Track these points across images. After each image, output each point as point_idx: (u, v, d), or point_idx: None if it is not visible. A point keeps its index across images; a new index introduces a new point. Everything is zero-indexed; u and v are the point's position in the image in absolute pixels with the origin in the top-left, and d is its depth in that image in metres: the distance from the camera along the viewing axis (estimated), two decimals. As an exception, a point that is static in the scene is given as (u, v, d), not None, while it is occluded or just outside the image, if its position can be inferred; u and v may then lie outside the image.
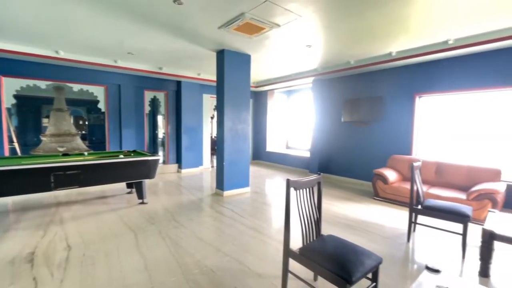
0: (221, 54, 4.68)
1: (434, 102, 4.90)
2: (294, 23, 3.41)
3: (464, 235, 2.60)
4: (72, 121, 8.49)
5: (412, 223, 3.01)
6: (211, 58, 5.03)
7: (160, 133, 7.84)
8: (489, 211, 2.72)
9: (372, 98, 5.55)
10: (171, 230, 3.23)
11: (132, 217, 3.65)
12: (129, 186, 4.92)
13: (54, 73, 5.29)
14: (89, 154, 4.58)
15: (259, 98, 8.96)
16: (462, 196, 3.72)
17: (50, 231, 3.16)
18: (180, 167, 7.16)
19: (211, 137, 8.29)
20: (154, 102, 7.17)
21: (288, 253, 1.88)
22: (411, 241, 2.98)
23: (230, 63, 4.68)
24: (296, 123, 8.63)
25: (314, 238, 1.97)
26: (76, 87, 5.75)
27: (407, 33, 3.69)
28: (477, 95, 4.35)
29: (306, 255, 1.75)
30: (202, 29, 3.68)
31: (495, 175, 3.81)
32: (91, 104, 10.33)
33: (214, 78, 6.62)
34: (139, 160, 4.05)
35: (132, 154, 4.59)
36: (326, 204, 4.37)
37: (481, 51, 4.06)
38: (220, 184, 4.88)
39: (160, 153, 7.59)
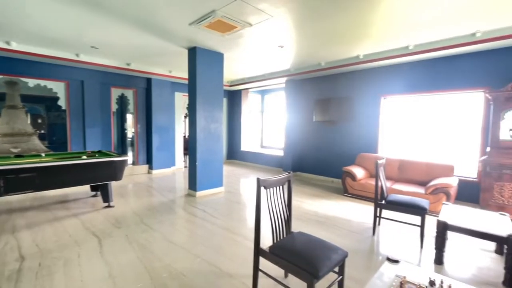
0: (193, 52, 4.57)
1: (397, 103, 5.23)
2: (266, 23, 3.43)
3: (422, 226, 2.81)
4: (29, 119, 7.76)
5: (377, 217, 3.18)
6: (182, 55, 4.88)
7: (130, 132, 7.47)
8: (443, 203, 2.96)
9: (341, 98, 5.78)
10: (139, 234, 3.09)
11: (96, 222, 3.42)
12: (93, 189, 4.61)
13: (5, 66, 4.80)
14: (46, 155, 4.21)
15: (233, 98, 8.90)
16: (421, 190, 4.01)
17: (-1, 241, 2.86)
18: (150, 168, 6.88)
19: (184, 136, 8.08)
20: (122, 100, 6.80)
21: (258, 251, 1.88)
22: (376, 234, 3.15)
23: (203, 61, 4.58)
24: (270, 122, 8.72)
25: (284, 235, 1.99)
26: (32, 82, 5.26)
27: (372, 37, 3.89)
28: (435, 96, 4.72)
29: (275, 253, 1.77)
30: (172, 25, 3.56)
31: (449, 171, 4.16)
32: (50, 101, 9.52)
33: (186, 76, 6.46)
34: (103, 161, 3.81)
35: (96, 155, 4.31)
36: (298, 201, 4.47)
37: (438, 56, 4.40)
38: (193, 184, 4.76)
39: (129, 153, 7.22)
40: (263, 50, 4.64)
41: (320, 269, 1.53)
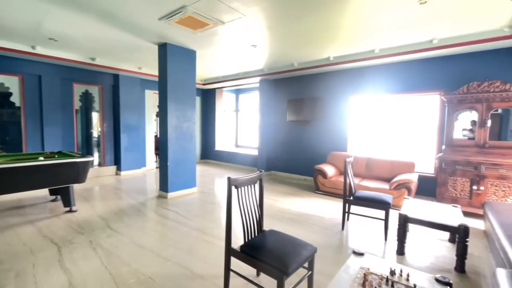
0: (163, 48, 4.40)
1: (365, 104, 5.50)
2: (238, 22, 3.41)
3: (386, 220, 2.98)
4: (-25, 117, 6.94)
5: (346, 213, 3.32)
6: (153, 51, 4.69)
7: (96, 132, 7.01)
8: (405, 198, 3.17)
9: (313, 99, 5.95)
10: (105, 239, 2.91)
11: (55, 229, 3.17)
12: (53, 193, 4.26)
13: None
14: (-3, 156, 3.81)
15: (207, 96, 8.76)
16: (386, 186, 4.26)
17: None
18: (119, 169, 6.52)
19: (156, 136, 7.78)
20: (86, 97, 6.36)
21: (229, 251, 1.87)
22: (345, 229, 3.28)
23: (174, 58, 4.44)
24: (245, 122, 8.71)
25: (256, 234, 2.00)
26: (-22, 75, 4.73)
27: (341, 40, 4.04)
28: (398, 98, 5.04)
29: (246, 252, 1.76)
30: (140, 19, 3.40)
31: (410, 167, 4.47)
32: (1, 97, 8.64)
33: (157, 72, 6.22)
34: (64, 162, 3.53)
35: (56, 156, 3.99)
36: (272, 200, 4.52)
37: (401, 60, 4.70)
38: (164, 185, 4.60)
39: (96, 154, 6.78)
40: (236, 49, 4.61)
41: (289, 266, 1.56)
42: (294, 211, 3.96)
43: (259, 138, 6.94)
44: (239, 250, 1.81)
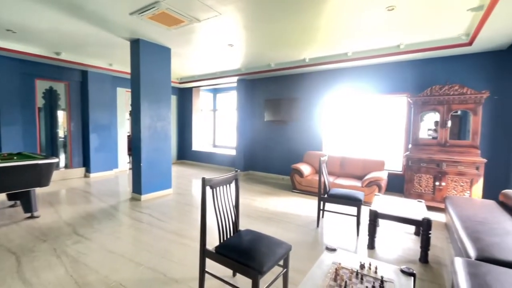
0: (136, 44, 4.23)
1: (339, 105, 5.70)
2: (214, 20, 3.36)
3: (358, 216, 3.11)
4: None
5: (320, 210, 3.41)
6: (125, 47, 4.49)
7: (62, 131, 6.56)
8: (375, 195, 3.33)
9: (290, 99, 6.05)
10: (71, 246, 2.73)
11: (14, 236, 2.91)
12: (11, 197, 3.91)
13: None
14: None
15: (184, 95, 8.56)
16: (359, 184, 4.45)
17: None
18: (88, 171, 6.16)
19: (129, 136, 7.45)
20: (51, 94, 5.94)
21: (204, 253, 1.84)
22: (319, 226, 3.37)
23: (147, 55, 4.28)
24: (223, 121, 8.63)
25: (232, 234, 1.99)
26: None
27: (317, 42, 4.15)
28: (370, 99, 5.28)
29: (221, 253, 1.74)
30: (110, 13, 3.23)
31: (380, 165, 4.70)
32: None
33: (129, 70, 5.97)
34: (23, 164, 3.26)
35: (15, 158, 3.67)
36: (249, 199, 4.52)
37: (372, 63, 4.93)
38: (137, 187, 4.42)
39: (62, 155, 6.34)
40: (213, 47, 4.55)
41: (264, 265, 1.56)
42: (271, 210, 3.99)
43: (237, 138, 6.92)
44: (214, 251, 1.79)
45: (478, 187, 3.72)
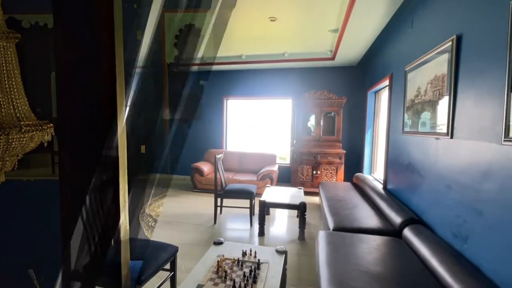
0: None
1: (238, 104, 5.98)
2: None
3: (250, 208, 3.35)
4: None
5: (218, 207, 3.48)
6: None
7: None
8: (267, 186, 3.68)
9: (192, 97, 5.89)
10: None
11: None
12: None
13: None
14: None
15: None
16: (255, 178, 4.81)
17: None
18: None
19: None
20: None
21: (68, 275, 1.53)
22: (217, 223, 3.44)
23: None
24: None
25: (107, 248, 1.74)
26: None
27: (212, 43, 4.19)
28: (264, 100, 5.79)
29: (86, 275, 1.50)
30: None
31: (272, 159, 5.25)
32: None
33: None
34: None
35: None
36: (146, 205, 4.13)
37: (264, 68, 5.41)
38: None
39: None
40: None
41: (142, 274, 1.44)
42: (168, 213, 3.78)
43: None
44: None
45: (341, 173, 4.70)
